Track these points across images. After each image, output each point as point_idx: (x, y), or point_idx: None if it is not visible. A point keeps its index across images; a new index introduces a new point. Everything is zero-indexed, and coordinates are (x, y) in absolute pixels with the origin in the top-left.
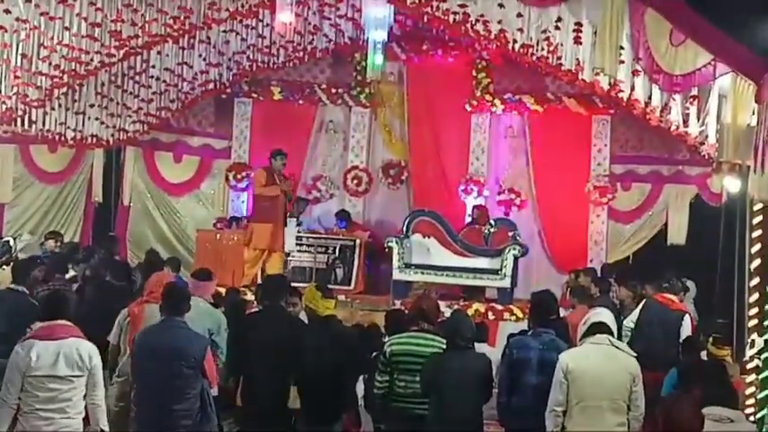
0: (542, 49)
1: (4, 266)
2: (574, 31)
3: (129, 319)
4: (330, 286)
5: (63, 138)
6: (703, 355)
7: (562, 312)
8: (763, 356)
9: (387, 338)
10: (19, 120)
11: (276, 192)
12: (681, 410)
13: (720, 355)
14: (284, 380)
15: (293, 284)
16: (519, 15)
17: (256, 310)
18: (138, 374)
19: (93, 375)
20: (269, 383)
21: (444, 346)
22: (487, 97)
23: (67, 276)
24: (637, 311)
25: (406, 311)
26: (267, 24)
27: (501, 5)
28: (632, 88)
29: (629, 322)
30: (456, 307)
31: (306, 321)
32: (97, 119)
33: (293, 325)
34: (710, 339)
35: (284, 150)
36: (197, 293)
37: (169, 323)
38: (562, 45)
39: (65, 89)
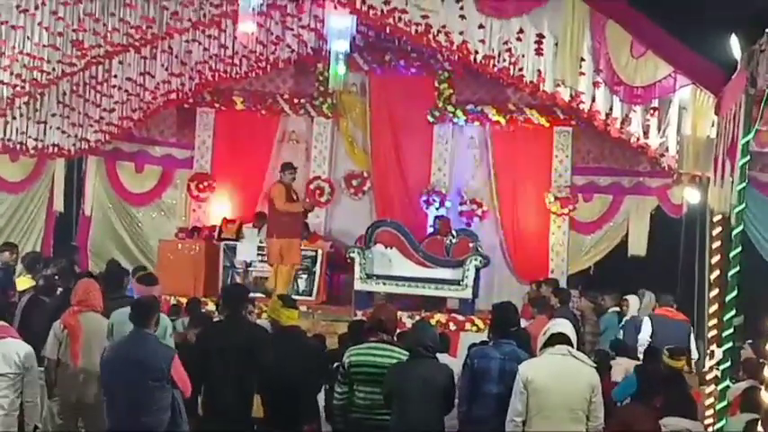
0: (504, 60)
1: None
2: (535, 42)
3: (66, 332)
4: (292, 297)
5: (24, 147)
6: None
7: (523, 323)
8: (721, 367)
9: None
10: None
11: (299, 209)
12: (638, 421)
13: (677, 366)
14: (247, 389)
15: (256, 295)
16: (481, 27)
17: (217, 319)
18: (106, 388)
19: (30, 374)
20: (231, 393)
21: (403, 357)
22: (449, 108)
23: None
24: (648, 327)
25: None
26: (230, 34)
27: (463, 17)
28: (593, 100)
29: (645, 338)
30: (419, 317)
31: (269, 331)
32: (59, 128)
33: (255, 334)
34: (665, 351)
35: (294, 164)
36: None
37: (136, 335)
38: (524, 56)
39: (26, 98)
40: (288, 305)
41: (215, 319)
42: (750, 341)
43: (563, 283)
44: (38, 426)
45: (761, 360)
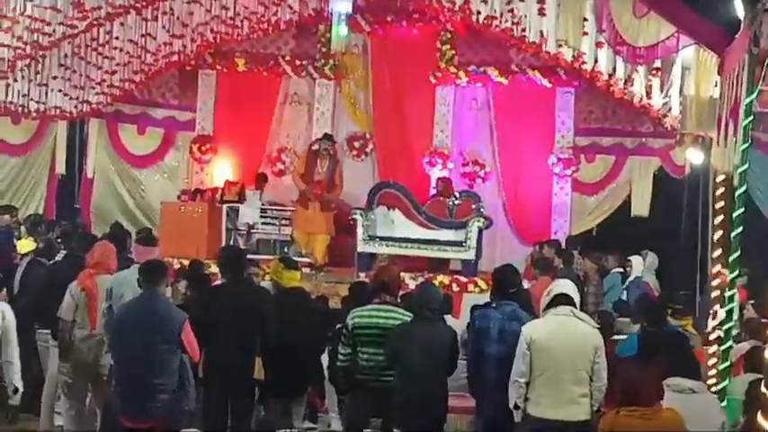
0: (506, 20)
1: None
2: (538, 2)
3: (84, 293)
4: (295, 259)
5: (26, 110)
6: None
7: (526, 284)
8: (724, 328)
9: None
10: None
11: (301, 186)
12: (640, 380)
13: (680, 325)
14: (249, 351)
15: (258, 257)
16: None
17: (220, 282)
18: (117, 348)
19: (6, 334)
20: (234, 355)
21: (407, 318)
22: (452, 69)
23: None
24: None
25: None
26: None
27: None
28: (596, 60)
29: None
30: (423, 279)
31: (272, 293)
32: (60, 91)
33: (258, 295)
34: (670, 310)
35: (330, 134)
36: (143, 258)
37: (148, 295)
38: (526, 17)
39: (28, 61)
40: (289, 266)
41: (217, 282)
42: (752, 301)
43: (564, 244)
44: (17, 386)
45: (763, 320)
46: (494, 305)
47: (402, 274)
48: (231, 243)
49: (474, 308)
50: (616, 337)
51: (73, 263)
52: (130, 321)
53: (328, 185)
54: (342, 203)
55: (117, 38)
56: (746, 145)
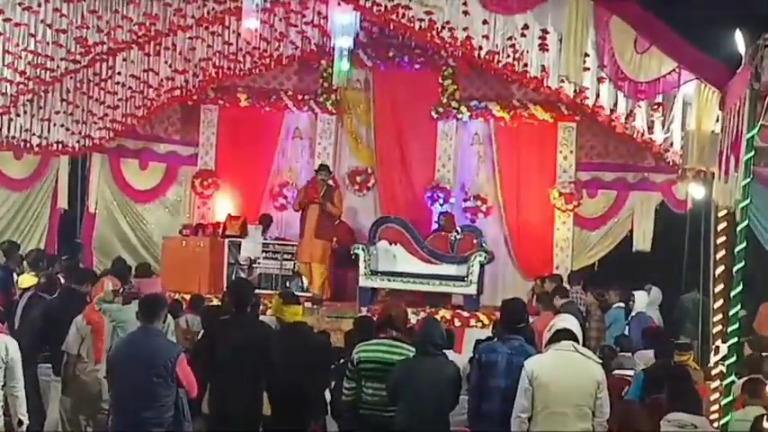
0: (508, 56)
1: None
2: (539, 38)
3: (90, 327)
4: (296, 293)
5: (28, 144)
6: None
7: (530, 320)
8: (727, 363)
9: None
10: None
11: (300, 198)
12: (635, 418)
13: (681, 360)
14: (256, 387)
15: (260, 291)
16: (484, 22)
17: (226, 316)
18: (112, 381)
19: (12, 368)
20: (241, 391)
21: (411, 354)
22: (453, 104)
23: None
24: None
25: (375, 318)
26: (233, 31)
27: (466, 13)
28: (597, 95)
29: None
30: (425, 314)
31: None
32: (62, 125)
33: (262, 330)
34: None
35: (325, 164)
36: (144, 291)
37: (143, 331)
38: (528, 52)
39: (30, 96)
40: (288, 302)
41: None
42: (750, 337)
43: (567, 279)
44: (22, 419)
45: (762, 354)
46: (499, 339)
47: None
48: (233, 278)
49: (478, 342)
50: (618, 371)
51: (73, 298)
52: (125, 356)
53: (330, 204)
54: (345, 236)
55: (119, 73)
56: (748, 180)
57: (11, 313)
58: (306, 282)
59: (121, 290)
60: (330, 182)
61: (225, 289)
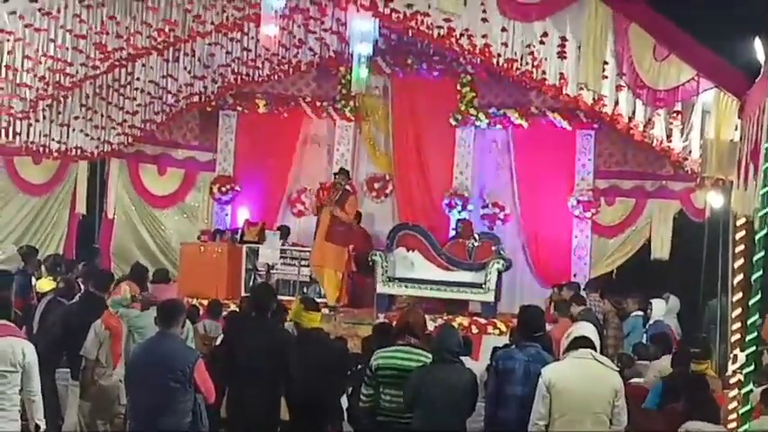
0: (527, 63)
1: None
2: (558, 45)
3: (108, 332)
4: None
5: (47, 150)
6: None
7: (547, 327)
8: (745, 371)
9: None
10: (3, 131)
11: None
12: (652, 425)
13: (699, 369)
14: (276, 392)
15: (278, 297)
16: (503, 30)
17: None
18: (130, 386)
19: (28, 372)
20: (260, 395)
21: (429, 361)
22: (472, 111)
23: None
24: None
25: (393, 325)
26: (252, 37)
27: (485, 20)
28: (616, 103)
29: None
30: (442, 321)
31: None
32: (82, 131)
33: (283, 336)
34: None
35: (345, 169)
36: (161, 296)
37: (161, 337)
38: (546, 60)
39: (49, 101)
40: (309, 308)
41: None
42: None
43: (584, 287)
44: (39, 424)
45: None
46: (516, 346)
47: None
48: (251, 283)
49: (495, 349)
50: (635, 380)
51: (93, 302)
52: (142, 362)
53: (339, 209)
54: (363, 243)
55: (138, 79)
56: (767, 188)
57: (29, 318)
58: (322, 287)
59: (139, 296)
60: (348, 187)
61: (243, 294)
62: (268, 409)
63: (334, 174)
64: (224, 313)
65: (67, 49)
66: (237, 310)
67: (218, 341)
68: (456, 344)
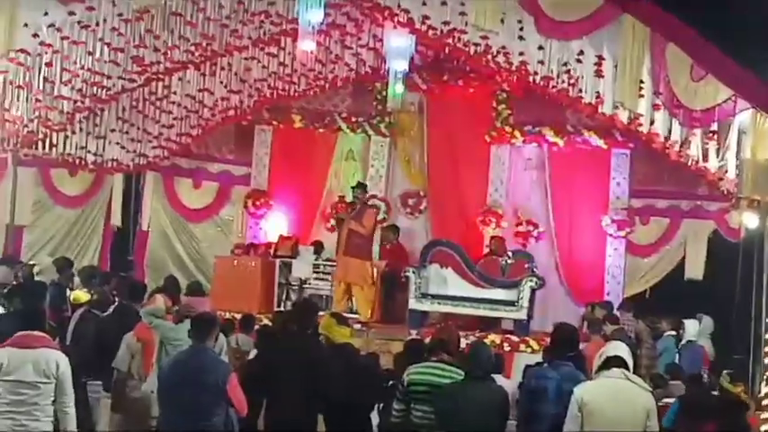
0: (563, 81)
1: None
2: (595, 64)
3: (140, 344)
4: (346, 315)
5: (83, 162)
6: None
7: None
8: None
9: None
10: (40, 143)
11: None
12: None
13: (734, 391)
14: (313, 407)
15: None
16: (540, 48)
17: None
18: (163, 400)
19: (62, 383)
20: (298, 410)
21: (461, 378)
22: (507, 129)
23: None
24: None
25: (426, 341)
26: (289, 53)
27: (522, 38)
28: (652, 122)
29: None
30: (474, 338)
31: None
32: (118, 143)
33: (321, 352)
34: (725, 376)
35: (363, 183)
36: (195, 309)
37: (194, 350)
38: (583, 78)
39: (86, 113)
40: (341, 322)
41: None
42: None
43: (619, 306)
44: None
45: None
46: (548, 364)
47: None
48: (284, 298)
49: (527, 367)
50: (666, 400)
51: (125, 314)
52: (176, 374)
53: (355, 222)
54: (399, 258)
55: (175, 92)
56: None
57: (63, 329)
58: (355, 304)
59: (174, 308)
60: (369, 201)
61: (276, 309)
62: (306, 424)
63: (352, 187)
64: (256, 327)
65: (105, 62)
66: (270, 324)
67: (251, 355)
68: (488, 361)
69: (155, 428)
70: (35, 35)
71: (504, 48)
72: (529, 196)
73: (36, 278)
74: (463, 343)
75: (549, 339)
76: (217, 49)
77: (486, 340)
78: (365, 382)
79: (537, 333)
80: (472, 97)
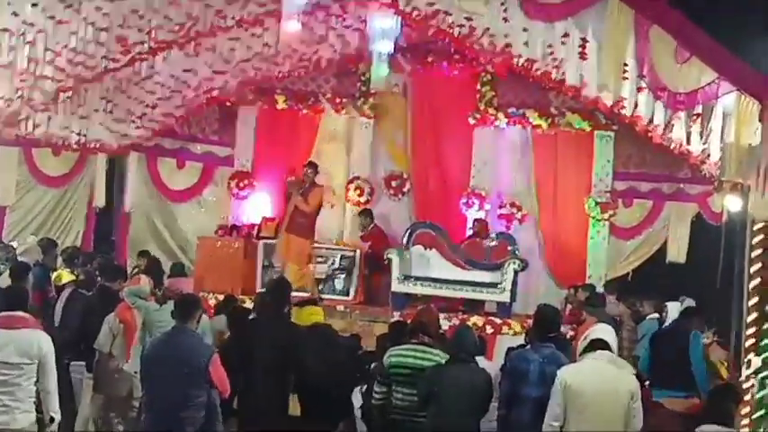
0: (547, 64)
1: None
2: (579, 46)
3: (122, 326)
4: (330, 296)
5: (67, 142)
6: None
7: (561, 328)
8: (759, 376)
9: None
10: (23, 123)
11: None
12: (665, 426)
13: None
14: (286, 387)
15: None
16: (524, 30)
17: (256, 316)
18: (146, 381)
19: (44, 364)
20: (270, 390)
21: (442, 360)
22: (491, 111)
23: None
24: None
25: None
26: (273, 33)
27: (506, 20)
28: (636, 105)
29: None
30: (457, 320)
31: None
32: (101, 124)
33: (293, 331)
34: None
35: (314, 162)
36: (177, 291)
37: (177, 331)
38: (567, 60)
39: (69, 93)
40: (304, 304)
41: (251, 317)
42: None
43: (600, 289)
44: (54, 416)
45: None
46: (530, 346)
47: None
48: (267, 279)
49: (510, 350)
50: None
51: (106, 296)
52: (158, 356)
53: (301, 198)
54: (379, 240)
55: (159, 72)
56: None
57: (47, 310)
58: (339, 285)
59: (157, 290)
60: (316, 180)
61: (258, 290)
62: (277, 403)
63: (304, 165)
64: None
65: (89, 41)
66: (241, 306)
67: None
68: (472, 344)
69: (137, 409)
70: (14, 13)
71: (488, 30)
72: (512, 178)
73: (19, 258)
74: (445, 325)
75: (531, 321)
76: (201, 30)
77: (468, 322)
78: (345, 363)
79: (519, 315)
80: (456, 79)
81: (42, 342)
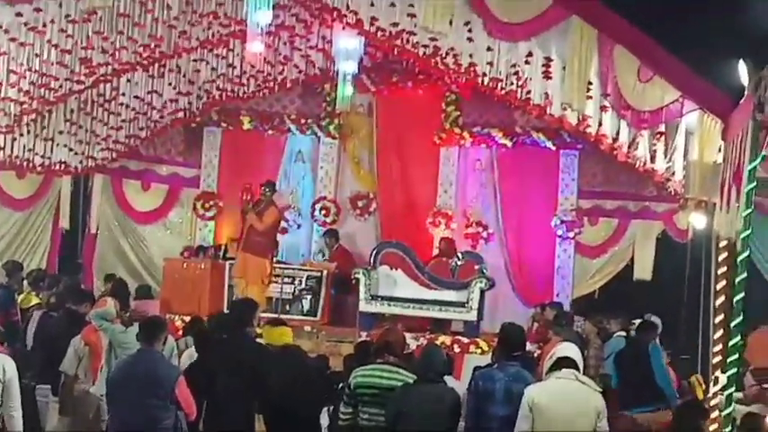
0: (511, 83)
1: None
2: (543, 65)
3: (87, 348)
4: (296, 317)
5: (31, 164)
6: None
7: (528, 347)
8: (726, 393)
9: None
10: None
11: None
12: None
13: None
14: (250, 408)
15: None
16: (489, 49)
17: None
18: (111, 404)
19: (9, 388)
20: (235, 412)
21: (409, 379)
22: (456, 130)
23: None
24: None
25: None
26: (237, 54)
27: (471, 39)
28: (600, 123)
29: None
30: (424, 339)
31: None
32: (66, 145)
33: (257, 351)
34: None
35: (272, 181)
36: (143, 313)
37: (142, 353)
38: (531, 79)
39: (33, 115)
40: (275, 324)
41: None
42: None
43: (567, 307)
44: None
45: (762, 385)
46: (496, 366)
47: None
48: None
49: (476, 368)
50: None
51: (71, 319)
52: (125, 378)
53: (256, 217)
54: (344, 261)
55: (123, 94)
56: (749, 210)
57: (11, 333)
58: (306, 305)
59: (123, 311)
60: (272, 198)
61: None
62: (242, 423)
63: (261, 185)
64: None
65: (52, 63)
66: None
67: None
68: (441, 363)
69: None
70: None
71: (452, 49)
72: (478, 198)
73: None
74: (413, 344)
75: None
76: (165, 51)
77: (436, 341)
78: (313, 384)
79: (487, 334)
80: (421, 99)
81: (6, 365)
